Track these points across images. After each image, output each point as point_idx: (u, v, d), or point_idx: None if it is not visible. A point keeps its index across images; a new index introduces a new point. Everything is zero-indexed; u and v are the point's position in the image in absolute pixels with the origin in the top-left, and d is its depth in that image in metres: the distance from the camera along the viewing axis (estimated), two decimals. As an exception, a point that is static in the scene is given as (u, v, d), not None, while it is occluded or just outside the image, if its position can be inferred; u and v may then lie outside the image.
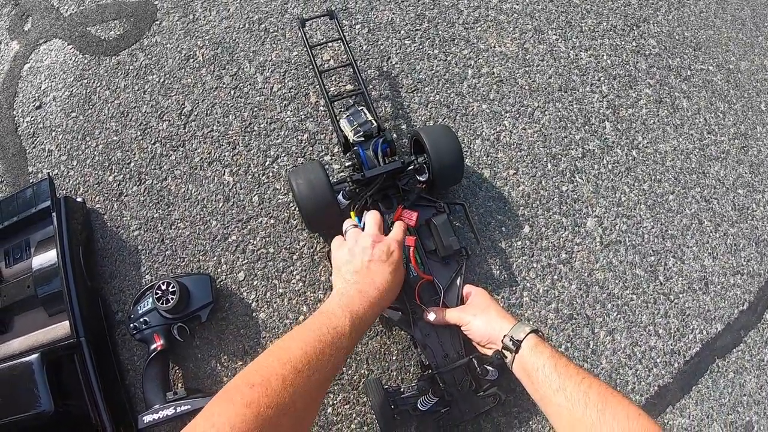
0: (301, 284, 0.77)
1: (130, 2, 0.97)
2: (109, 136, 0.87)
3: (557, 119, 0.90)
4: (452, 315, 0.66)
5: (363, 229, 0.66)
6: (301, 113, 0.87)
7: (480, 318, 0.63)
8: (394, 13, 0.95)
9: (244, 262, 0.78)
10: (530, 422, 0.72)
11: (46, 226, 0.75)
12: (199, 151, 0.85)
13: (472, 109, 0.89)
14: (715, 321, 0.81)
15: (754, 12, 1.10)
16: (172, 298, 0.68)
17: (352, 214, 0.71)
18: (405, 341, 0.74)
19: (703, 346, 0.80)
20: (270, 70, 0.90)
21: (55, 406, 0.63)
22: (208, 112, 0.87)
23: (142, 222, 0.81)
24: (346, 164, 0.75)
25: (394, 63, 0.91)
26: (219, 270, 0.78)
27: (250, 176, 0.83)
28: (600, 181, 0.86)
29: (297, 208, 0.76)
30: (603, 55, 0.97)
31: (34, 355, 0.66)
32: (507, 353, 0.59)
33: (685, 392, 0.77)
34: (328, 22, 0.93)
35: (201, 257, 0.78)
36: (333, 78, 0.89)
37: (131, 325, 0.70)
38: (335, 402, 0.72)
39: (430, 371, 0.66)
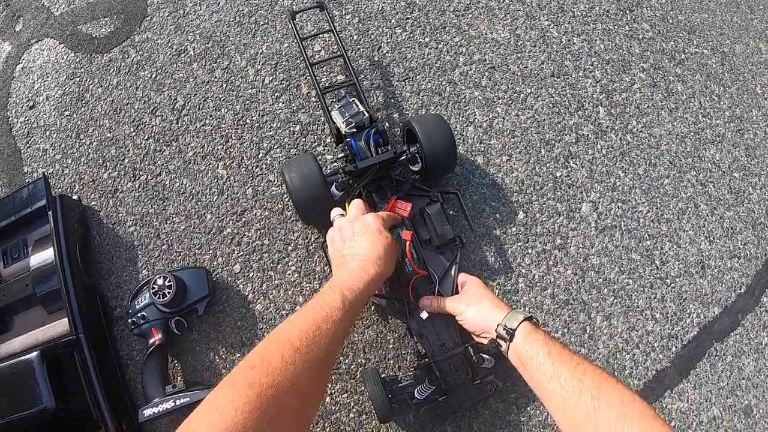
0: (296, 275, 0.77)
1: (121, -1, 0.97)
2: (102, 134, 0.87)
3: (550, 105, 0.89)
4: (446, 304, 0.66)
5: None
6: (293, 105, 0.87)
7: (474, 307, 0.63)
8: (384, 2, 0.94)
9: (239, 255, 0.78)
10: (528, 408, 0.72)
11: (42, 225, 0.75)
12: (192, 145, 0.85)
13: (465, 97, 0.88)
14: (713, 305, 0.81)
15: (749, -6, 1.09)
16: (169, 292, 0.69)
17: (347, 205, 0.71)
18: (401, 330, 0.74)
19: (700, 330, 0.80)
20: (261, 63, 0.90)
21: (57, 403, 0.64)
22: (201, 106, 0.87)
23: (137, 218, 0.81)
24: (339, 155, 0.75)
25: (385, 52, 0.91)
26: (215, 263, 0.78)
27: (243, 169, 0.83)
28: (594, 166, 0.86)
29: (291, 200, 0.77)
30: (596, 40, 0.96)
31: (34, 353, 0.66)
32: (501, 342, 0.59)
33: (683, 376, 0.77)
34: (318, 14, 0.92)
35: (197, 251, 0.79)
36: (324, 69, 0.89)
37: (129, 320, 0.71)
38: (333, 391, 0.72)
39: (426, 360, 0.66)
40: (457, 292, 0.70)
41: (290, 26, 0.84)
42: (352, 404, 0.72)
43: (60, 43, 0.95)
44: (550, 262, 0.79)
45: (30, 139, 0.89)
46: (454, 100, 0.88)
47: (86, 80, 0.91)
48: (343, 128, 0.73)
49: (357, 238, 0.61)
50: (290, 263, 0.78)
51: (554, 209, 0.82)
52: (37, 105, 0.91)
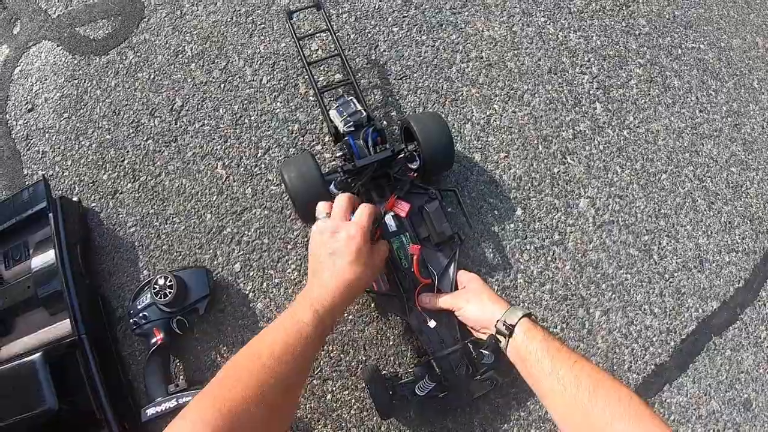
0: (296, 273, 0.78)
1: (118, 0, 0.97)
2: (102, 135, 0.87)
3: (547, 101, 0.89)
4: (445, 300, 0.67)
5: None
6: (291, 104, 0.87)
7: (473, 303, 0.64)
8: (381, 0, 0.95)
9: (239, 254, 0.79)
10: (528, 403, 0.73)
11: (43, 226, 0.76)
12: (191, 145, 0.85)
13: (462, 94, 0.89)
14: (711, 299, 0.82)
15: (745, -12, 1.09)
16: (170, 292, 0.69)
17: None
18: (401, 327, 0.75)
19: (699, 324, 0.80)
20: (259, 63, 0.90)
21: (60, 404, 0.64)
22: (199, 106, 0.88)
23: (137, 218, 0.82)
24: (338, 154, 0.75)
25: (382, 51, 0.91)
26: (215, 262, 0.78)
27: (242, 168, 0.83)
28: (592, 162, 0.86)
29: (290, 199, 0.77)
30: (592, 36, 0.96)
31: (37, 355, 0.66)
32: (501, 338, 0.60)
33: (682, 370, 0.77)
34: (315, 13, 0.93)
35: (197, 250, 0.79)
36: (322, 68, 0.89)
37: (131, 320, 0.71)
38: (334, 388, 0.73)
39: (426, 357, 0.67)
40: (456, 289, 0.70)
41: (287, 26, 0.84)
42: (353, 401, 0.72)
43: (58, 46, 0.96)
44: (549, 258, 0.80)
45: (29, 142, 0.89)
46: (451, 98, 0.88)
47: (85, 82, 0.92)
48: (341, 127, 0.73)
49: (337, 256, 0.58)
50: (290, 261, 0.78)
51: (552, 205, 0.83)
52: (35, 107, 0.92)
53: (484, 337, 0.63)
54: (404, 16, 0.94)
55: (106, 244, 0.81)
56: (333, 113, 0.74)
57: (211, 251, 0.79)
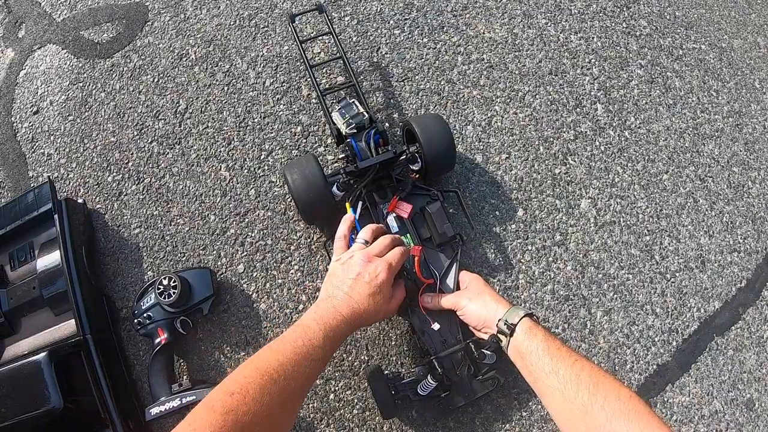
0: (299, 274, 0.78)
1: (122, 4, 0.98)
2: (106, 138, 0.88)
3: (548, 103, 0.90)
4: (448, 300, 0.67)
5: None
6: (294, 106, 0.88)
7: (475, 302, 0.64)
8: (382, 3, 0.95)
9: (243, 255, 0.79)
10: (529, 403, 0.73)
11: (48, 228, 0.76)
12: (195, 147, 0.86)
13: (463, 96, 0.89)
14: (713, 299, 0.82)
15: (746, -11, 1.10)
16: (174, 293, 0.70)
17: (347, 205, 0.71)
18: (403, 326, 0.75)
19: (701, 324, 0.80)
20: (262, 66, 0.91)
21: (64, 403, 0.65)
22: (203, 109, 0.88)
23: (142, 220, 0.82)
24: (340, 156, 0.76)
25: (384, 53, 0.91)
26: (219, 263, 0.79)
27: (246, 170, 0.84)
28: (593, 163, 0.87)
29: (293, 201, 0.78)
30: (593, 38, 0.97)
31: (42, 354, 0.67)
32: (502, 337, 0.60)
33: (685, 370, 0.77)
34: (317, 16, 0.93)
35: (201, 251, 0.80)
36: (324, 71, 0.90)
37: (135, 320, 0.72)
38: (337, 388, 0.73)
39: (428, 357, 0.67)
40: (458, 290, 0.70)
41: (290, 29, 0.85)
42: (356, 401, 0.72)
43: (63, 49, 0.97)
44: (550, 259, 0.80)
45: (35, 144, 0.90)
46: (453, 100, 0.89)
47: (89, 85, 0.92)
48: (343, 129, 0.74)
49: (360, 285, 0.59)
50: (293, 262, 0.79)
51: (553, 206, 0.83)
52: (41, 110, 0.92)
53: (486, 337, 0.63)
54: (406, 19, 0.94)
55: (110, 246, 0.81)
56: (335, 115, 0.75)
57: (214, 252, 0.80)
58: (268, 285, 0.78)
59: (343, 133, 0.74)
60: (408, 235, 0.72)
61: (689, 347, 0.79)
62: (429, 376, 0.65)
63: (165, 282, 0.70)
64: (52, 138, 0.90)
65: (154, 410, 0.66)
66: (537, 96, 0.90)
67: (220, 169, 0.84)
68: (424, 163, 0.73)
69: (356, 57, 0.91)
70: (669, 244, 0.83)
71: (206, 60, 0.92)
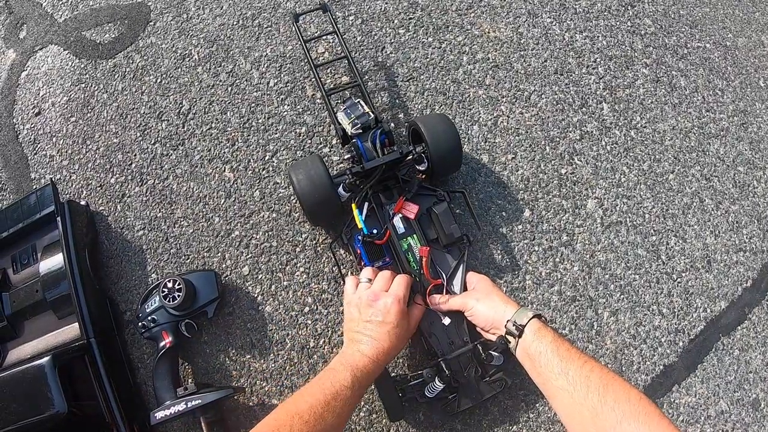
0: (305, 276, 0.78)
1: (124, 5, 0.98)
2: (109, 139, 0.88)
3: (554, 102, 0.89)
4: (456, 300, 0.67)
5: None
6: (299, 107, 0.87)
7: (483, 303, 0.64)
8: (387, 3, 0.95)
9: (248, 257, 0.79)
10: (537, 405, 0.73)
11: (51, 230, 0.76)
12: (198, 149, 0.85)
13: (469, 96, 0.89)
14: (719, 299, 0.81)
15: (750, -13, 1.09)
16: (179, 296, 0.69)
17: (353, 206, 0.71)
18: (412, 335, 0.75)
19: (707, 324, 0.80)
20: (266, 66, 0.90)
21: (69, 407, 0.64)
22: (206, 109, 0.88)
23: (145, 222, 0.82)
24: (346, 156, 0.75)
25: (388, 53, 0.91)
26: (224, 265, 0.79)
27: (250, 171, 0.83)
28: (599, 163, 0.86)
29: (298, 202, 0.77)
30: (598, 37, 0.96)
31: (46, 358, 0.67)
32: (510, 338, 0.60)
33: (691, 371, 0.77)
34: (321, 15, 0.93)
35: (205, 254, 0.79)
36: (329, 71, 0.89)
37: (140, 323, 0.71)
38: (344, 391, 0.73)
39: (436, 358, 0.67)
40: (465, 291, 0.70)
41: (294, 28, 0.84)
42: (363, 403, 0.72)
43: (64, 50, 0.96)
44: (557, 259, 0.80)
45: (37, 146, 0.90)
46: (458, 100, 0.88)
47: (91, 86, 0.92)
48: (349, 129, 0.73)
49: (374, 321, 0.62)
50: (298, 264, 0.78)
51: (560, 206, 0.83)
52: (43, 112, 0.92)
53: (493, 338, 0.63)
54: (410, 18, 0.94)
55: (114, 248, 0.81)
56: (341, 115, 0.75)
57: (219, 254, 0.79)
58: (273, 287, 0.77)
59: (349, 134, 0.74)
60: (414, 235, 0.72)
61: (695, 347, 0.78)
62: (436, 378, 0.65)
63: (170, 285, 0.70)
64: (54, 139, 0.89)
65: (159, 414, 0.66)
66: (543, 95, 0.90)
67: (224, 171, 0.84)
68: (431, 163, 0.72)
69: (361, 57, 0.90)
70: (675, 244, 0.83)
71: (209, 60, 0.91)
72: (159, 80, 0.90)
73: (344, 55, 0.81)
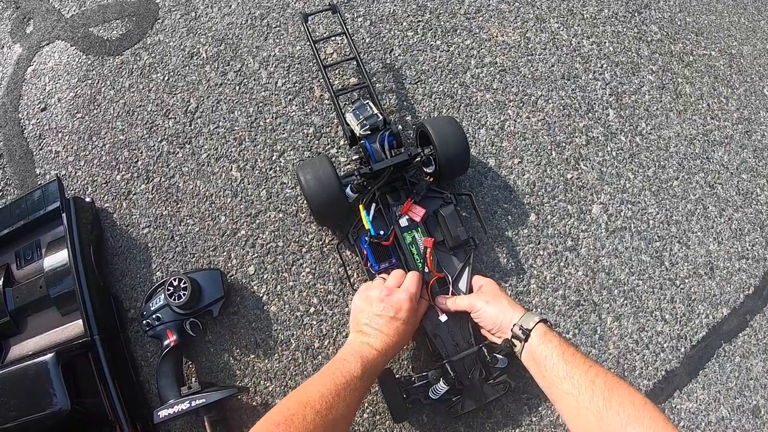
0: (310, 277, 0.78)
1: (132, 1, 0.97)
2: (115, 136, 0.87)
3: (561, 107, 0.90)
4: (463, 300, 0.67)
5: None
6: (307, 107, 0.87)
7: (492, 305, 0.64)
8: (395, 5, 0.95)
9: (254, 257, 0.79)
10: (539, 408, 0.73)
11: (56, 226, 0.76)
12: (205, 147, 0.85)
13: (476, 99, 0.89)
14: (721, 305, 0.82)
15: (756, -4, 1.10)
16: (184, 294, 0.69)
17: (360, 207, 0.71)
18: (416, 330, 0.75)
19: (709, 330, 0.80)
20: (274, 66, 0.90)
21: (72, 404, 0.64)
22: (214, 108, 0.88)
23: (151, 219, 0.82)
24: (353, 158, 0.75)
25: (397, 55, 0.91)
26: (229, 265, 0.78)
27: (257, 171, 0.83)
28: (604, 168, 0.87)
29: (305, 202, 0.77)
30: (605, 42, 0.97)
31: (49, 355, 0.66)
32: (516, 342, 0.60)
33: (692, 376, 0.78)
34: (330, 16, 0.93)
35: (211, 253, 0.79)
36: (337, 72, 0.89)
37: (144, 321, 0.71)
38: (348, 392, 0.73)
39: (441, 360, 0.67)
40: (470, 293, 0.70)
41: (303, 29, 0.84)
42: (366, 404, 0.72)
43: (71, 46, 0.96)
44: (562, 264, 0.80)
45: (42, 141, 0.89)
46: (465, 103, 0.89)
47: (98, 82, 0.92)
48: (357, 130, 0.73)
49: (386, 320, 0.62)
50: (304, 265, 0.78)
51: (565, 211, 0.83)
52: (48, 107, 0.91)
53: (498, 341, 0.63)
54: (419, 21, 0.94)
55: (119, 245, 0.81)
56: (349, 116, 0.75)
57: (225, 253, 0.79)
58: (278, 287, 0.77)
59: (357, 135, 0.74)
60: (419, 228, 0.72)
61: (697, 354, 0.79)
62: (441, 380, 0.65)
63: (175, 283, 0.70)
64: (59, 135, 0.89)
65: (163, 413, 0.65)
66: (549, 100, 0.90)
67: (230, 170, 0.84)
68: (438, 165, 0.72)
69: (369, 58, 0.91)
70: (679, 250, 0.84)
71: (217, 59, 0.91)
72: (166, 78, 0.90)
73: (353, 56, 0.81)
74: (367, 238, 0.71)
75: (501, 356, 0.64)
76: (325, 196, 0.69)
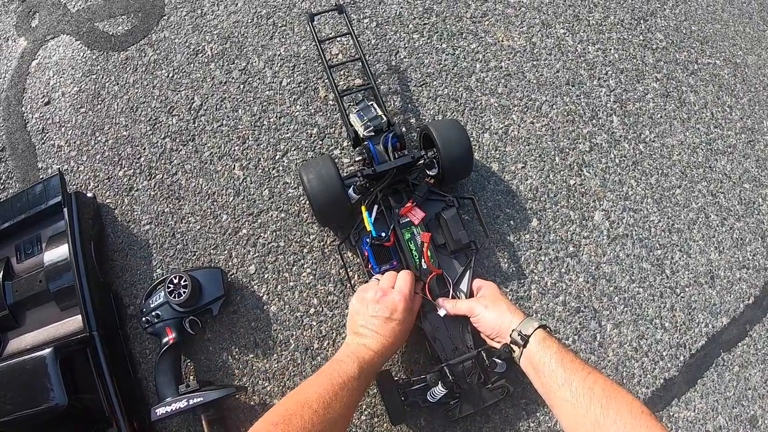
0: (311, 277, 0.78)
1: (137, -3, 0.97)
2: (118, 131, 0.87)
3: (565, 113, 0.90)
4: (463, 305, 0.67)
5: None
6: (311, 107, 0.87)
7: (491, 310, 0.64)
8: (402, 7, 0.95)
9: (254, 256, 0.79)
10: (537, 414, 0.73)
11: (57, 221, 0.75)
12: (209, 145, 0.85)
13: (481, 103, 0.89)
14: (721, 315, 0.82)
15: (761, 6, 1.10)
16: (184, 292, 0.69)
17: (363, 208, 0.71)
18: (414, 333, 0.74)
19: (708, 339, 0.80)
20: (279, 65, 0.90)
21: (69, 400, 0.64)
22: (218, 106, 0.87)
23: (152, 216, 0.82)
24: (357, 159, 0.75)
25: (402, 57, 0.91)
26: (230, 263, 0.78)
27: (260, 170, 0.83)
28: (607, 175, 0.87)
29: (307, 202, 0.77)
30: (610, 49, 0.97)
31: (48, 350, 0.66)
32: (515, 347, 0.60)
33: (691, 385, 0.78)
34: (336, 16, 0.93)
35: (212, 251, 0.79)
36: (342, 72, 0.89)
37: (143, 318, 0.71)
38: (346, 394, 0.73)
39: (439, 363, 0.67)
40: (471, 297, 0.70)
41: (308, 28, 0.84)
42: (364, 407, 0.72)
43: (76, 40, 0.95)
44: (563, 270, 0.80)
45: (45, 136, 0.89)
46: (470, 107, 0.88)
47: (103, 78, 0.91)
48: (361, 131, 0.73)
49: (382, 321, 0.62)
50: (305, 265, 0.78)
51: (567, 217, 0.83)
52: (52, 101, 0.91)
53: (498, 345, 0.63)
54: (425, 24, 0.94)
55: (119, 241, 0.81)
56: (353, 117, 0.75)
57: (226, 252, 0.79)
58: (279, 287, 0.77)
59: (361, 136, 0.74)
60: (417, 226, 0.72)
61: (696, 362, 0.79)
62: (439, 383, 0.65)
63: (175, 281, 0.70)
64: (62, 130, 0.89)
65: (160, 410, 0.65)
66: (554, 106, 0.90)
67: (233, 168, 0.84)
68: (441, 168, 0.72)
69: (374, 60, 0.91)
70: (680, 258, 0.84)
71: (222, 57, 0.91)
72: (171, 75, 0.90)
73: (358, 57, 0.81)
74: (368, 240, 0.71)
75: (500, 361, 0.64)
76: (328, 197, 0.69)
